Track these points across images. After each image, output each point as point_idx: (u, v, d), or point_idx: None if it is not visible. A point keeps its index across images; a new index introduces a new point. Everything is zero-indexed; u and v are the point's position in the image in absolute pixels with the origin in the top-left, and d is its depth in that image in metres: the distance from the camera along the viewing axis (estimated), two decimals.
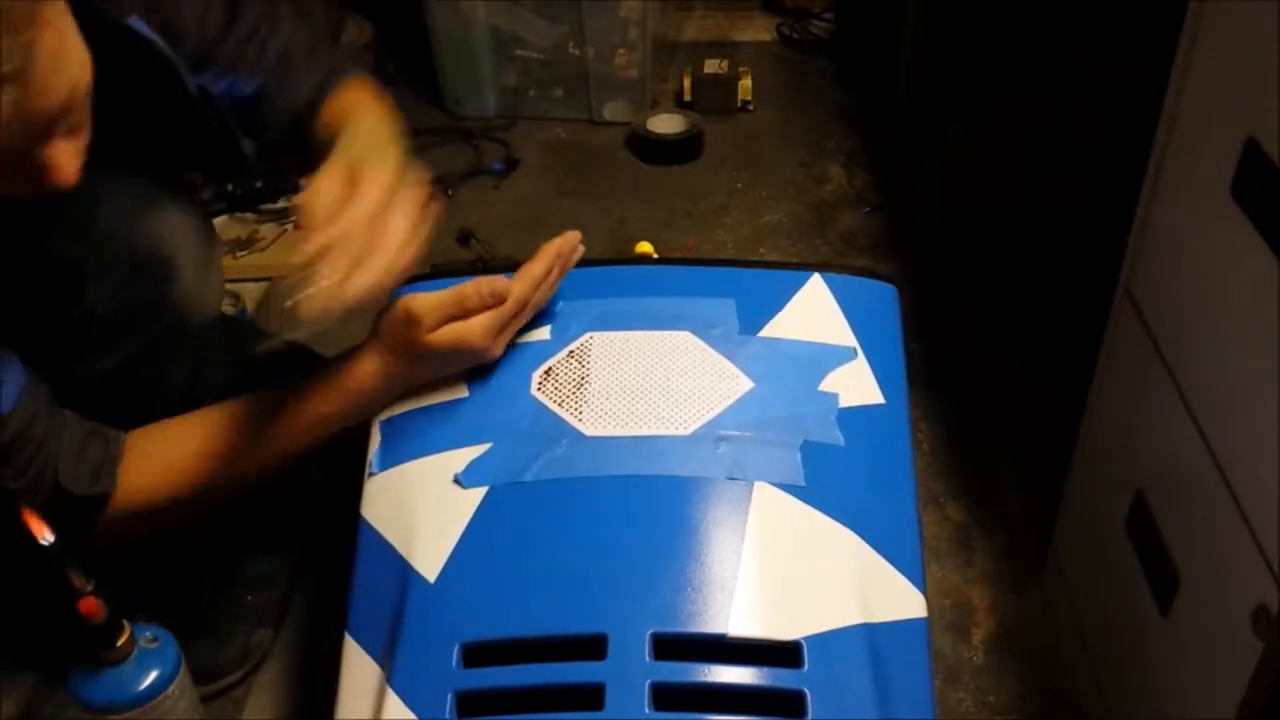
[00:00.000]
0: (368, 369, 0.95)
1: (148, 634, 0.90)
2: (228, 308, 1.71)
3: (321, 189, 0.88)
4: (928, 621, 0.84)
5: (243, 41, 1.02)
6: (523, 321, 0.97)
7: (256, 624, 1.17)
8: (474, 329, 0.93)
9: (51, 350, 0.91)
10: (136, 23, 0.90)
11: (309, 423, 0.97)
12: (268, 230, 1.92)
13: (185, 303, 0.98)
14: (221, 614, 1.15)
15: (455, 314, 0.93)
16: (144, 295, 0.95)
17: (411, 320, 0.92)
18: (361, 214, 0.86)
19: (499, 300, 0.93)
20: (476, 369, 0.97)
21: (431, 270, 1.49)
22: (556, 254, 0.98)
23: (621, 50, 2.07)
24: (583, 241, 1.00)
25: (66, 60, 0.74)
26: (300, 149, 1.08)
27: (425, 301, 0.92)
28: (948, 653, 1.20)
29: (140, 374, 0.96)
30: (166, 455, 0.95)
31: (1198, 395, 0.85)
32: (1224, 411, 0.81)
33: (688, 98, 2.16)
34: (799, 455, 0.88)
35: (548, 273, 0.97)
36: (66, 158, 0.78)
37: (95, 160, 0.89)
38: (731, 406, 0.92)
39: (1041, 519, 1.23)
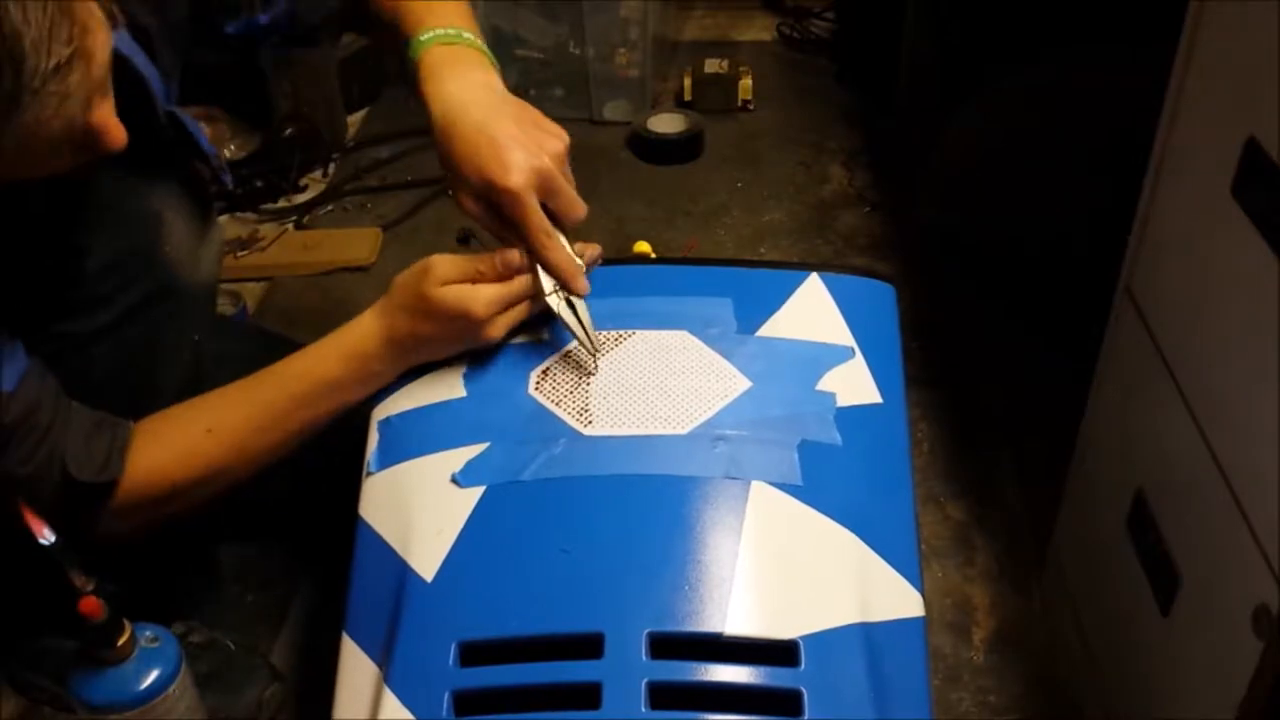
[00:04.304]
0: (370, 328, 0.96)
1: (148, 634, 0.90)
2: (228, 308, 1.71)
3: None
4: (925, 621, 0.84)
5: None
6: (525, 313, 0.97)
7: (272, 678, 1.14)
8: (477, 296, 0.93)
9: (45, 309, 0.91)
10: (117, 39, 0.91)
11: (316, 390, 0.97)
12: (268, 230, 1.93)
13: (176, 260, 0.98)
14: (237, 667, 1.12)
15: (468, 277, 0.94)
16: (133, 246, 0.95)
17: (425, 270, 0.94)
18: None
19: (509, 273, 0.94)
20: (474, 367, 0.96)
21: None
22: (582, 265, 0.98)
23: (621, 50, 2.07)
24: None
25: (100, 22, 0.76)
26: (360, 20, 1.13)
27: (443, 259, 0.94)
28: (948, 652, 1.20)
29: (134, 333, 0.96)
30: (175, 436, 0.95)
31: (1198, 395, 0.85)
32: (1224, 411, 0.81)
33: (688, 97, 2.16)
34: (796, 454, 0.88)
35: (563, 274, 0.96)
36: (113, 119, 0.80)
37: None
38: (729, 406, 0.91)
39: (1042, 519, 1.23)
